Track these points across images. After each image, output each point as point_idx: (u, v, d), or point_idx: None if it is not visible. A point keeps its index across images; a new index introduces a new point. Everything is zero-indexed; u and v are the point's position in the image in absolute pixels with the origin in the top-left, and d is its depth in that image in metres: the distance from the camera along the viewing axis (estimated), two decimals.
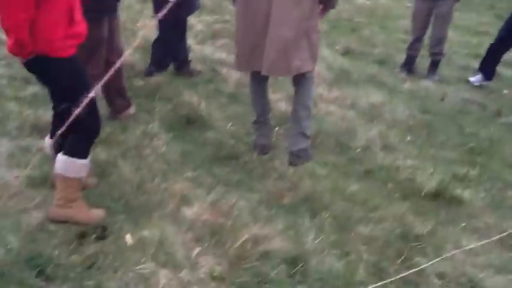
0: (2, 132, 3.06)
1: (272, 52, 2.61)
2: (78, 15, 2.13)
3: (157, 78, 4.15)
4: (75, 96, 2.18)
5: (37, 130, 3.13)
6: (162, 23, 4.26)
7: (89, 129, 2.28)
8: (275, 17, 2.56)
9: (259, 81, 2.95)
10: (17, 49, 1.98)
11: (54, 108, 2.53)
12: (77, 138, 2.28)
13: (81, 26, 2.16)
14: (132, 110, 3.41)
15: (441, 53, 4.86)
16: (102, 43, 2.94)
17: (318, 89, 4.01)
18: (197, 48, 5.14)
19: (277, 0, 2.54)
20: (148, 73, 4.22)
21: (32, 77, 4.11)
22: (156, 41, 4.37)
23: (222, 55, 4.99)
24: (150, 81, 4.10)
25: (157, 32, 4.37)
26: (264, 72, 2.73)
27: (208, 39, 5.81)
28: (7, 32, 1.96)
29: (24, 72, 4.32)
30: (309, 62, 2.76)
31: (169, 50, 4.32)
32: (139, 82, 4.06)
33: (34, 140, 2.98)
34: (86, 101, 2.23)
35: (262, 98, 3.02)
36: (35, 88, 3.87)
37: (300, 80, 2.85)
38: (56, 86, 2.21)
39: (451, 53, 5.54)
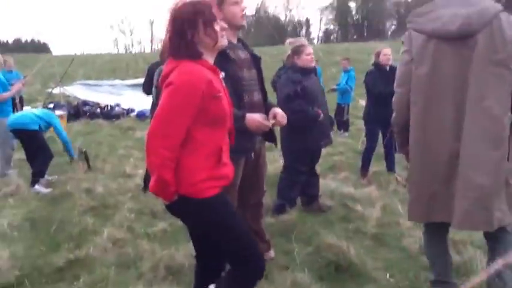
0: (137, 276, 2.77)
1: (465, 202, 2.11)
2: (226, 157, 1.94)
3: (288, 216, 3.79)
4: (224, 238, 1.92)
5: (171, 272, 2.82)
6: (288, 152, 4.04)
7: (254, 271, 1.95)
8: (466, 159, 2.12)
9: (438, 234, 2.43)
10: (159, 189, 1.78)
11: (197, 258, 2.18)
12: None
13: (228, 168, 1.95)
14: (272, 253, 3.02)
15: None
16: (234, 184, 2.59)
17: None
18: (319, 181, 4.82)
19: (470, 138, 2.11)
20: (279, 209, 3.88)
21: (159, 211, 4.02)
22: (284, 171, 4.12)
23: (350, 189, 4.60)
24: (280, 219, 3.74)
25: (283, 162, 4.15)
26: (455, 227, 2.20)
27: (328, 171, 5.54)
28: (152, 171, 1.80)
29: (151, 205, 4.26)
30: (509, 213, 2.21)
31: (297, 182, 4.02)
32: (269, 219, 3.71)
33: (170, 285, 2.65)
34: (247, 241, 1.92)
35: (444, 253, 2.44)
36: (164, 224, 3.68)
37: (502, 235, 2.24)
38: (199, 230, 1.98)
39: None
